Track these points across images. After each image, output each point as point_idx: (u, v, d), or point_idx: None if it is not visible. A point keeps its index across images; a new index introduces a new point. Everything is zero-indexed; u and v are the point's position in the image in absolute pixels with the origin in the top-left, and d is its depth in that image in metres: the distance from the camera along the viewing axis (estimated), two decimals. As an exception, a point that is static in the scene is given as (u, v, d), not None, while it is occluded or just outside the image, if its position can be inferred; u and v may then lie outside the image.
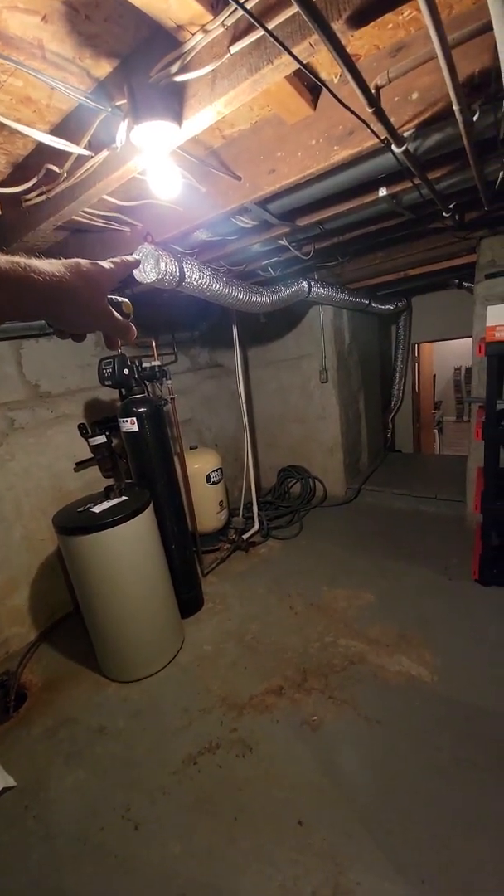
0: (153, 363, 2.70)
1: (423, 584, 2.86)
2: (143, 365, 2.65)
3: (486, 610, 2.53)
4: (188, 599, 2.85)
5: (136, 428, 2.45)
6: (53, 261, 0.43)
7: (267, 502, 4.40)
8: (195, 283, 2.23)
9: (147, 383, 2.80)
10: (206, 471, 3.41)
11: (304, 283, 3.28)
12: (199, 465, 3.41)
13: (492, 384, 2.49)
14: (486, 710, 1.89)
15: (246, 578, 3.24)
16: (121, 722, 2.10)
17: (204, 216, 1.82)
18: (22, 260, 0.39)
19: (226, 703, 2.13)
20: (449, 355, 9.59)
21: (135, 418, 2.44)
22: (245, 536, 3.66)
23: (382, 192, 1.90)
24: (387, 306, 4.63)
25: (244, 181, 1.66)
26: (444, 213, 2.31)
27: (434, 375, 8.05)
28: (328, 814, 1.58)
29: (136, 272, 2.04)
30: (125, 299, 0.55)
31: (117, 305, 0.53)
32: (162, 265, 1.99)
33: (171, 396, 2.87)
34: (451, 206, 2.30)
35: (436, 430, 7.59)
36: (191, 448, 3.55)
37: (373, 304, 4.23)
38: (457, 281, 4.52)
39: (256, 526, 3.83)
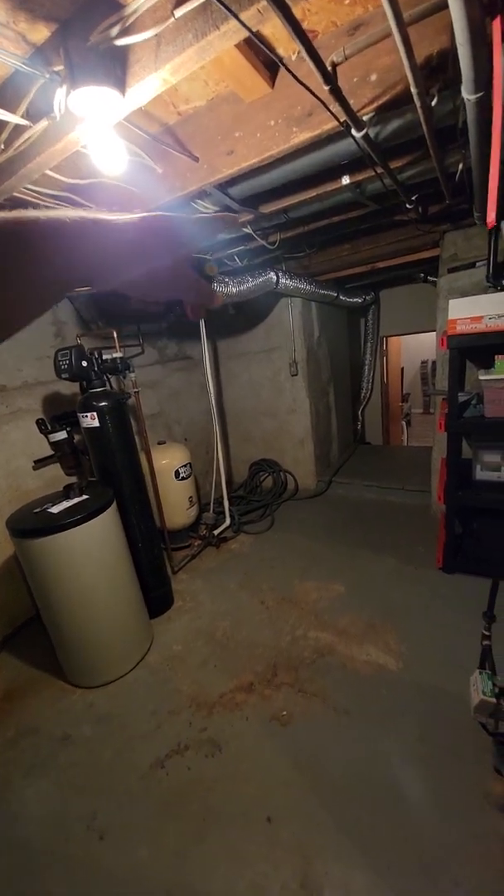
0: (115, 355, 2.58)
1: (391, 574, 2.92)
2: (104, 357, 2.53)
3: (448, 597, 2.61)
4: (157, 598, 2.78)
5: (96, 423, 2.34)
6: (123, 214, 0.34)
7: (238, 497, 4.37)
8: (156, 270, 2.14)
9: (108, 376, 2.68)
10: (175, 466, 3.33)
11: (272, 274, 3.23)
12: (167, 461, 3.33)
13: (453, 377, 2.54)
14: (448, 692, 1.94)
15: (217, 574, 3.20)
16: (86, 729, 2.03)
17: (161, 199, 1.73)
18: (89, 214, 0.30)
19: (195, 702, 2.09)
20: (416, 349, 9.81)
21: (95, 413, 2.32)
22: (216, 532, 3.62)
23: (345, 180, 1.87)
24: (355, 299, 4.66)
25: (202, 162, 1.59)
26: (407, 205, 2.31)
27: (402, 368, 8.22)
28: (297, 808, 1.58)
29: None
30: (209, 258, 0.45)
31: (200, 267, 0.43)
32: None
33: (136, 390, 2.76)
34: (413, 199, 2.30)
35: (404, 423, 7.77)
36: (158, 443, 3.46)
37: (341, 297, 4.24)
38: (422, 275, 4.59)
39: (227, 521, 3.79)
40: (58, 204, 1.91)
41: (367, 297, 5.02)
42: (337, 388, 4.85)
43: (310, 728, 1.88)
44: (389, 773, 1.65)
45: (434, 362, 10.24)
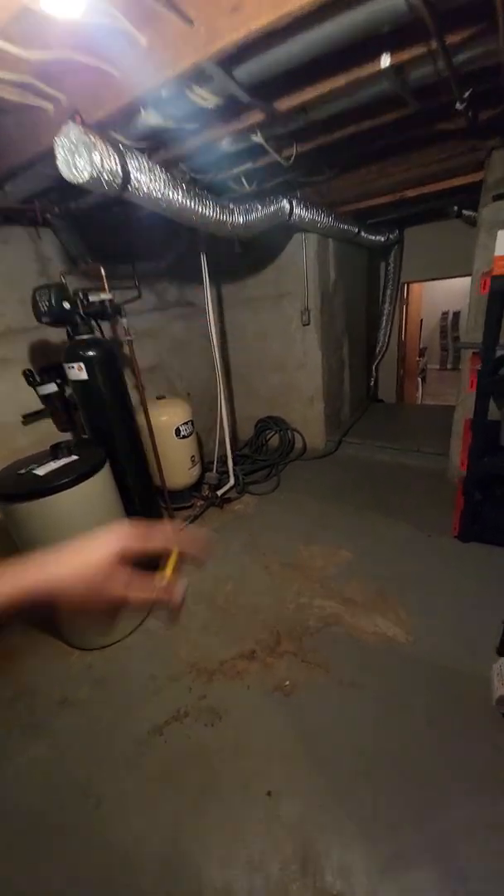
0: (103, 296, 2.26)
1: (402, 541, 2.77)
2: (91, 299, 2.22)
3: (463, 567, 2.46)
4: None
5: (84, 375, 2.09)
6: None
7: (243, 456, 4.18)
8: (145, 189, 1.77)
9: (98, 322, 2.39)
10: (175, 424, 3.11)
11: (285, 203, 2.79)
12: (167, 418, 3.10)
13: (491, 327, 2.20)
14: (459, 671, 1.84)
15: (220, 535, 3.09)
16: (84, 692, 1.99)
17: (147, 83, 1.35)
18: None
19: (195, 669, 2.03)
20: (437, 299, 9.11)
21: (83, 364, 2.07)
22: (219, 493, 3.47)
23: (385, 61, 1.45)
24: (377, 237, 4.14)
25: (198, 25, 1.20)
26: (457, 105, 1.86)
27: (421, 320, 7.67)
28: (298, 783, 1.52)
29: (63, 168, 1.57)
30: None
31: None
32: (97, 158, 1.53)
33: (129, 338, 2.46)
34: (466, 96, 1.84)
35: (419, 379, 7.36)
36: (157, 398, 3.21)
37: (362, 234, 3.74)
38: (456, 209, 4.03)
39: (231, 481, 3.63)
40: (22, 98, 1.53)
41: (391, 236, 4.47)
42: (352, 340, 4.46)
43: (313, 700, 1.81)
44: (396, 754, 1.58)
45: (456, 314, 9.62)
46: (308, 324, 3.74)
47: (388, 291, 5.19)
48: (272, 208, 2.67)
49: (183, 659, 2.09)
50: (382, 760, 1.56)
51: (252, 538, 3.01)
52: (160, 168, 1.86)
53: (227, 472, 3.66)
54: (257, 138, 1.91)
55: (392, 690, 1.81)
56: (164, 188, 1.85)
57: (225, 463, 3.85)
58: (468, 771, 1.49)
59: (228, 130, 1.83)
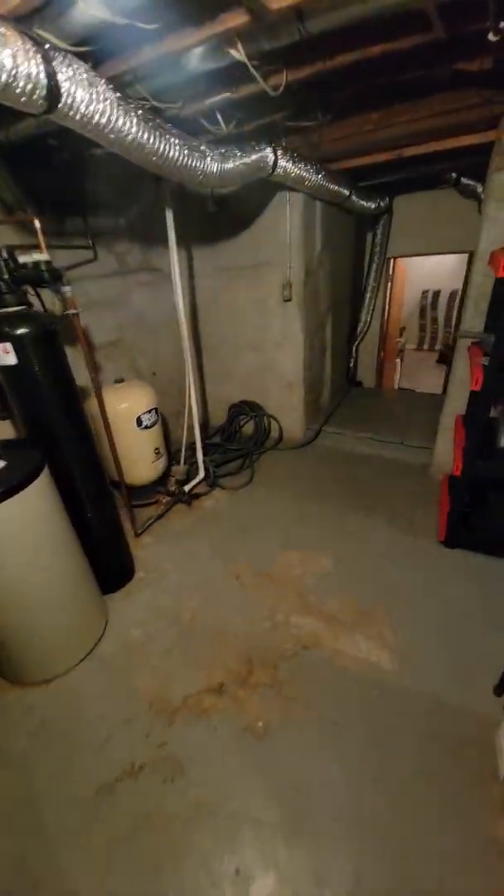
0: (37, 257, 1.78)
1: (385, 546, 2.57)
2: (21, 260, 1.74)
3: (450, 578, 2.30)
4: (114, 570, 2.36)
5: (13, 359, 1.66)
6: None
7: (215, 444, 3.83)
8: (84, 109, 1.30)
9: (35, 290, 1.92)
10: (137, 412, 2.70)
11: (269, 152, 2.33)
12: (127, 405, 2.69)
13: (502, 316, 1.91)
14: (452, 707, 1.67)
15: (187, 538, 2.79)
16: (21, 740, 1.68)
17: None
18: None
19: (154, 707, 1.76)
20: (417, 276, 8.80)
21: (9, 344, 1.62)
22: (188, 487, 3.14)
23: None
24: (368, 203, 3.72)
25: None
26: (489, 36, 1.48)
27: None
28: (271, 855, 1.31)
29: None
30: None
31: None
32: (8, 57, 1.06)
33: (74, 311, 2.00)
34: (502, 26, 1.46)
35: (398, 360, 7.16)
36: (115, 382, 2.77)
37: (353, 197, 3.32)
38: (454, 175, 3.66)
39: (201, 474, 3.29)
40: None
41: (382, 203, 4.06)
42: (336, 319, 4.10)
43: (289, 744, 1.60)
44: (382, 810, 1.40)
45: (436, 293, 9.39)
46: (289, 300, 3.34)
47: (374, 266, 4.83)
48: (253, 157, 2.21)
49: (141, 694, 1.82)
50: (368, 824, 1.37)
51: (223, 541, 2.72)
52: (106, 84, 1.38)
53: (196, 463, 3.32)
54: (238, 54, 1.46)
55: (378, 731, 1.62)
56: (112, 113, 1.38)
57: (194, 453, 3.50)
58: (462, 843, 1.32)
59: (200, 38, 1.37)
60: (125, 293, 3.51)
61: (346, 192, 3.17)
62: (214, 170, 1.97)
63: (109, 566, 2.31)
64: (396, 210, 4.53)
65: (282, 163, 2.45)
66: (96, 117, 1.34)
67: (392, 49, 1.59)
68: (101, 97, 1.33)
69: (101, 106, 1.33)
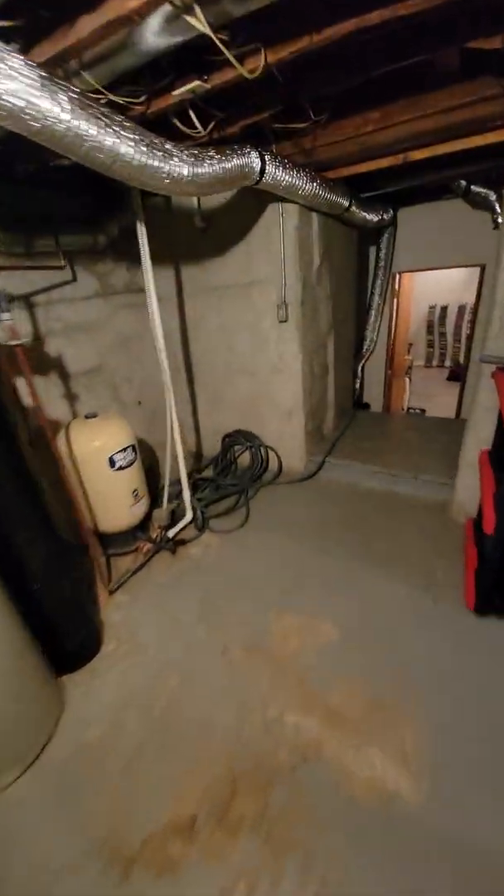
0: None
1: (401, 609, 2.15)
2: None
3: (483, 656, 1.86)
4: (75, 646, 1.98)
5: None
6: None
7: (206, 480, 3.46)
8: (-8, 87, 0.99)
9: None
10: (110, 451, 2.36)
11: (255, 157, 2.04)
12: (99, 444, 2.35)
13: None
14: (487, 849, 1.24)
15: (169, 595, 2.40)
16: None
17: None
18: None
19: (107, 848, 1.35)
20: (424, 291, 8.52)
21: None
22: (172, 532, 2.76)
23: None
24: (370, 215, 3.43)
25: None
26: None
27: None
28: None
29: None
30: None
31: None
32: None
33: (18, 342, 1.67)
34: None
35: (406, 379, 6.80)
36: (87, 417, 2.44)
37: (353, 209, 3.02)
38: (463, 184, 3.37)
39: (188, 516, 2.92)
40: None
41: (385, 215, 3.77)
42: (339, 339, 3.77)
43: (281, 926, 1.17)
44: None
45: (444, 308, 9.08)
46: (285, 320, 3.02)
47: (379, 282, 4.52)
48: (234, 161, 1.91)
49: (91, 827, 1.41)
50: None
51: (210, 599, 2.33)
52: (24, 61, 1.08)
53: (183, 503, 2.95)
54: (197, 22, 1.15)
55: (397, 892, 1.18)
56: (31, 93, 1.07)
57: (182, 491, 3.15)
58: None
59: None
60: (107, 316, 3.23)
61: (346, 203, 2.88)
62: (184, 173, 1.66)
63: (68, 642, 1.93)
64: (401, 222, 4.24)
65: (270, 169, 2.16)
66: (8, 99, 1.03)
67: (393, 16, 1.28)
68: (16, 73, 1.03)
69: (13, 85, 1.02)
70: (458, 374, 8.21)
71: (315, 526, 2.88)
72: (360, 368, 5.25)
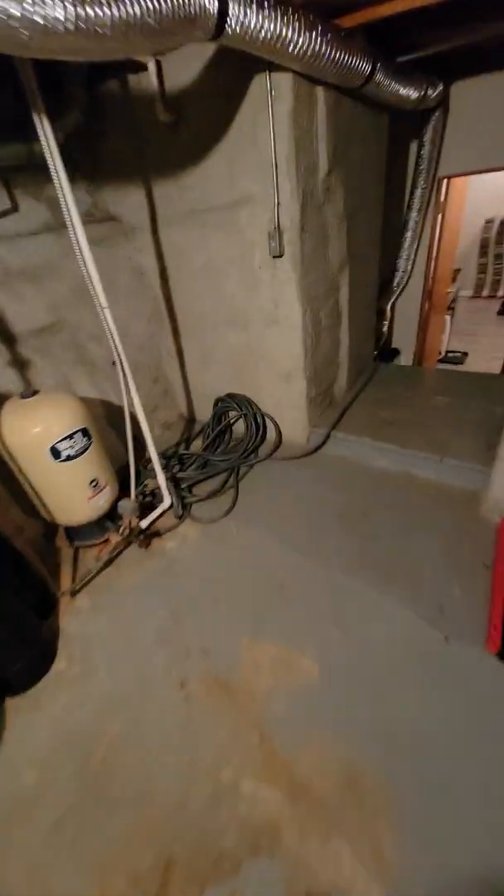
0: None
1: (402, 645, 1.74)
2: None
3: None
4: (23, 664, 1.75)
5: None
6: None
7: (190, 456, 3.00)
8: None
9: None
10: (52, 440, 1.93)
11: (205, -18, 1.25)
12: (39, 430, 1.91)
13: None
14: None
15: (133, 604, 2.10)
16: None
17: None
18: None
19: (14, 945, 1.17)
20: (478, 199, 6.89)
21: None
22: (146, 522, 2.41)
23: None
24: (408, 91, 2.42)
25: None
26: None
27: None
28: None
29: None
30: None
31: None
32: None
33: None
34: None
35: (448, 316, 5.73)
36: (22, 397, 1.98)
37: (380, 79, 2.08)
38: None
39: (166, 502, 2.54)
40: None
41: (430, 90, 2.70)
42: (357, 276, 2.96)
43: None
44: None
45: None
46: (280, 255, 2.29)
47: (419, 192, 3.48)
48: (166, -11, 1.16)
49: (2, 909, 1.23)
50: None
51: (176, 616, 2.01)
52: None
53: (170, 480, 2.55)
54: None
55: None
56: None
57: (170, 466, 2.75)
58: None
59: None
60: (63, 256, 2.60)
61: (367, 69, 1.95)
62: (58, 17, 0.97)
63: (11, 665, 1.69)
64: (455, 102, 3.10)
65: (237, 8, 1.36)
66: None
67: None
68: None
69: None
70: (512, 308, 6.95)
71: (310, 521, 2.42)
72: (388, 307, 4.38)
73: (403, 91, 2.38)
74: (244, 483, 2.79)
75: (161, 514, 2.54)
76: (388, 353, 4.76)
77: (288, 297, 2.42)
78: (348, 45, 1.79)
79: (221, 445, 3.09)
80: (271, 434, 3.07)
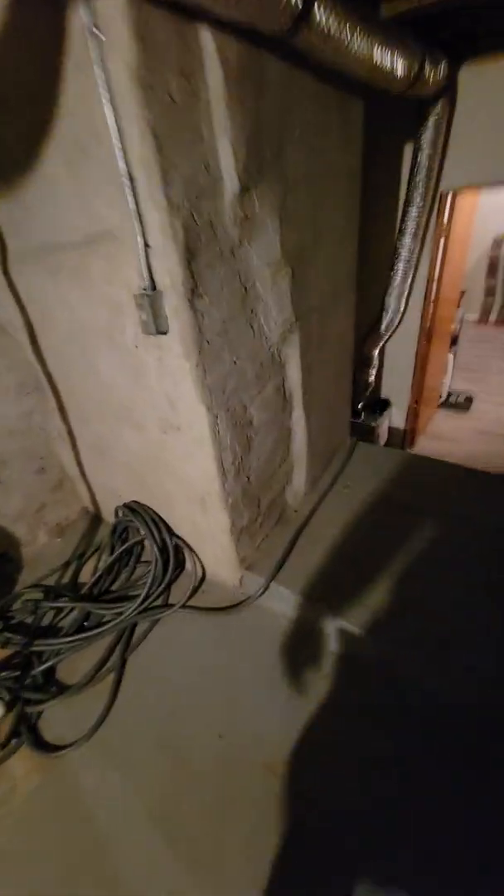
0: None
1: None
2: None
3: None
4: None
5: None
6: None
7: (61, 594, 2.01)
8: None
9: None
10: None
11: None
12: None
13: None
14: None
15: None
16: None
17: None
18: None
19: None
20: (490, 214, 5.96)
21: None
22: None
23: None
24: (390, 60, 1.46)
25: None
26: None
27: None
28: None
29: None
30: None
31: None
32: None
33: None
34: None
35: (451, 354, 4.75)
36: None
37: (321, 18, 1.12)
38: None
39: (-10, 716, 1.56)
40: None
41: (426, 67, 1.74)
42: (313, 336, 1.99)
43: None
44: None
45: (516, 239, 6.54)
46: (163, 331, 1.32)
47: (413, 211, 2.54)
48: None
49: None
50: None
51: None
52: None
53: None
54: None
55: None
56: None
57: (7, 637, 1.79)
58: None
59: None
60: None
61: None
62: None
63: None
64: (464, 90, 2.17)
65: None
66: None
67: None
68: None
69: None
70: (526, 341, 5.99)
71: (211, 773, 1.44)
72: (376, 352, 3.45)
73: (380, 58, 1.42)
74: (138, 656, 1.82)
75: (-18, 736, 1.56)
76: (375, 404, 3.82)
77: (185, 395, 1.45)
78: None
79: (123, 575, 2.12)
80: (189, 563, 2.09)
